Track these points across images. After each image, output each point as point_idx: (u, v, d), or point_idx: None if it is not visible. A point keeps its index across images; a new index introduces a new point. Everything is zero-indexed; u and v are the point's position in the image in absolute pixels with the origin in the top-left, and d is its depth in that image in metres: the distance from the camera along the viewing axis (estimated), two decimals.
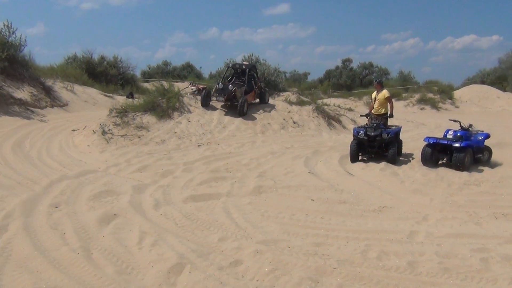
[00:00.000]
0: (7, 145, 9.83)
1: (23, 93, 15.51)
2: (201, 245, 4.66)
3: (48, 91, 17.06)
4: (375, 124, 9.58)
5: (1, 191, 6.26)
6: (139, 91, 25.52)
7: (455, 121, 9.77)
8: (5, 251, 4.28)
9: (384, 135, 9.30)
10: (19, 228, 4.84)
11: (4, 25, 15.60)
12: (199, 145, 11.09)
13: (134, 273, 3.94)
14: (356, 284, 3.80)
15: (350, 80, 40.88)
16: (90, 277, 3.78)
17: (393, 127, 9.92)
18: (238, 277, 3.88)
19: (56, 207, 5.79)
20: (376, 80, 10.33)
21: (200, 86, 16.87)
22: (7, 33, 15.83)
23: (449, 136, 9.21)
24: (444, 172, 8.59)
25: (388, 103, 9.98)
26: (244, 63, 15.57)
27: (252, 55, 29.59)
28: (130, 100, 18.99)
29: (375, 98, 10.08)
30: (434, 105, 27.70)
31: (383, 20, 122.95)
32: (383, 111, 10.00)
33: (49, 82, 17.96)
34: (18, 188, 6.56)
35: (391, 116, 9.89)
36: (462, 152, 8.67)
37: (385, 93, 9.95)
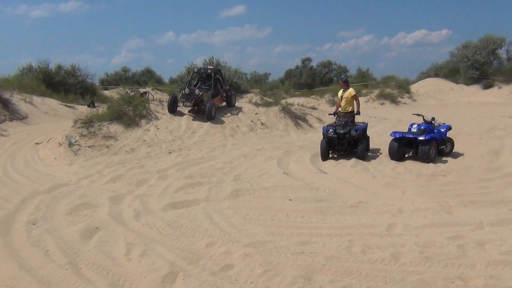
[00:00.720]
0: None
1: None
2: (190, 252, 4.70)
3: (5, 104, 16.46)
4: (343, 122, 9.85)
5: None
6: (100, 99, 25.09)
7: (418, 115, 10.19)
8: None
9: (353, 132, 9.58)
10: None
11: None
12: (170, 152, 11.03)
13: (127, 285, 3.94)
14: (346, 278, 3.95)
15: (311, 79, 41.52)
16: None
17: (360, 124, 10.23)
18: (232, 281, 3.95)
19: (34, 224, 5.66)
20: (341, 79, 10.59)
21: (142, 91, 17.48)
22: None
23: (414, 130, 9.59)
24: (412, 165, 8.94)
25: (355, 101, 10.28)
26: (209, 67, 15.58)
27: (213, 58, 29.58)
28: (94, 109, 18.64)
29: (341, 96, 10.35)
30: (393, 100, 28.63)
31: (338, 18, 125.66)
32: (350, 109, 10.28)
33: (6, 95, 17.31)
34: None
35: (358, 113, 10.19)
36: (427, 144, 9.05)
37: (351, 91, 10.24)
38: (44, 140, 12.33)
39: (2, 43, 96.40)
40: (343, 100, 10.27)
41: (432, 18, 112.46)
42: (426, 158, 9.01)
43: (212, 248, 4.79)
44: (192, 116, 13.83)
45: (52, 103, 20.01)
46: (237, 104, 16.05)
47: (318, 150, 10.23)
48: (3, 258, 4.47)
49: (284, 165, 9.36)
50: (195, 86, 14.79)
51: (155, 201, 6.90)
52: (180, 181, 8.12)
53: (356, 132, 9.60)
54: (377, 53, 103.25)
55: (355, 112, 10.26)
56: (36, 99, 19.41)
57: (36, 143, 12.18)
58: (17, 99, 18.12)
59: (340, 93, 10.51)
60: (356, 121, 10.57)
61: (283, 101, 20.03)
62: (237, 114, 14.60)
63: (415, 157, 9.40)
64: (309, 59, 44.26)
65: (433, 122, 9.83)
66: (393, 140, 9.47)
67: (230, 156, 10.43)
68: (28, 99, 18.54)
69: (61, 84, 25.18)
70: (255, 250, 4.64)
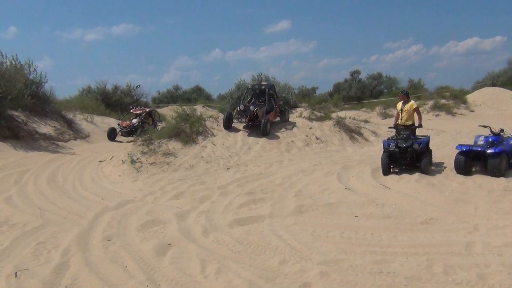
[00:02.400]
0: (42, 180, 9.96)
1: (46, 127, 15.76)
2: (264, 269, 4.68)
3: (69, 124, 17.36)
4: (405, 135, 9.59)
5: (52, 227, 6.34)
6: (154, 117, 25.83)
7: (485, 126, 9.76)
8: None
9: (416, 146, 9.31)
10: (81, 264, 4.90)
11: (25, 63, 15.96)
12: (228, 168, 11.16)
13: None
14: None
15: (360, 91, 40.99)
16: None
17: (422, 137, 9.92)
18: None
19: (109, 240, 5.85)
20: (402, 92, 10.35)
21: (136, 111, 18.78)
22: (28, 71, 16.17)
23: (481, 142, 9.20)
24: (481, 179, 8.55)
25: (416, 114, 10.01)
26: (262, 83, 15.73)
27: (261, 74, 29.84)
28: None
29: (401, 109, 10.10)
30: (449, 111, 27.67)
31: (383, 29, 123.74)
32: (410, 122, 10.02)
33: (69, 115, 18.28)
34: (66, 223, 6.64)
35: (420, 126, 9.90)
36: (497, 158, 8.64)
37: (412, 104, 10.00)
38: (107, 157, 12.82)
39: (60, 66, 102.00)
40: (404, 113, 10.02)
41: (484, 25, 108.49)
42: (496, 172, 8.58)
43: (285, 266, 4.75)
44: (247, 132, 13.96)
45: (110, 122, 20.82)
46: (289, 119, 16.04)
47: (378, 164, 10.01)
48: (86, 274, 4.64)
49: (345, 180, 9.21)
50: (249, 102, 14.95)
51: (219, 217, 6.97)
52: (242, 197, 8.16)
53: (419, 146, 9.32)
54: (426, 63, 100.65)
55: (416, 125, 9.97)
56: (97, 118, 20.33)
57: (100, 161, 12.68)
58: (79, 119, 19.04)
59: (399, 105, 10.27)
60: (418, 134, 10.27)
61: (334, 115, 19.87)
62: (291, 129, 14.59)
63: (483, 171, 8.99)
64: (358, 72, 43.89)
65: (501, 134, 9.38)
66: (460, 153, 9.11)
67: (288, 172, 10.40)
68: (89, 119, 19.46)
69: (117, 103, 26.24)
70: (331, 269, 4.56)
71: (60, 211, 7.42)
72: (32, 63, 16.43)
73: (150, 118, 19.15)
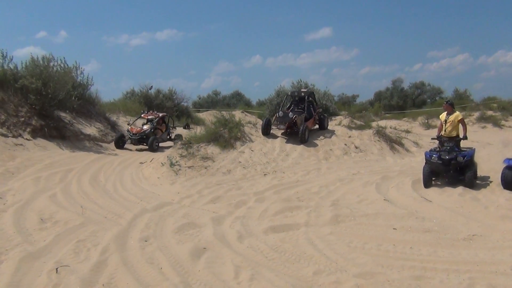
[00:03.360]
0: (85, 180, 10.30)
1: (91, 129, 16.34)
2: (298, 279, 4.63)
3: (113, 125, 17.93)
4: (448, 147, 9.27)
5: (93, 226, 6.53)
6: (194, 121, 26.27)
7: None
8: (111, 287, 4.43)
9: (460, 158, 8.97)
10: (118, 264, 5.01)
11: (73, 66, 16.61)
12: (265, 174, 11.15)
13: None
14: None
15: (402, 100, 40.07)
16: None
17: (467, 149, 9.55)
18: None
19: (146, 240, 5.96)
20: (446, 102, 10.02)
21: (147, 116, 17.44)
22: (76, 74, 16.82)
23: None
24: None
25: (461, 125, 9.66)
26: (302, 90, 15.68)
27: (301, 81, 29.75)
28: (186, 130, 19.65)
29: (445, 120, 9.78)
30: (496, 123, 26.57)
31: (428, 37, 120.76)
32: (455, 133, 9.68)
33: (113, 117, 18.86)
34: (106, 222, 6.82)
35: (465, 138, 9.54)
36: None
37: (457, 115, 9.67)
38: (148, 159, 13.11)
39: (106, 70, 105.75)
40: (448, 124, 9.69)
41: None
42: None
43: (320, 277, 4.68)
44: (286, 138, 13.92)
45: None
46: (328, 127, 15.88)
47: (418, 176, 9.72)
48: (123, 273, 4.74)
49: (384, 191, 8.99)
50: (288, 109, 14.92)
51: (255, 223, 6.96)
52: (278, 204, 8.12)
53: (463, 158, 8.98)
54: (473, 73, 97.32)
55: (461, 137, 9.62)
56: (139, 121, 20.79)
57: (140, 163, 12.99)
58: (122, 121, 19.61)
59: (443, 116, 9.94)
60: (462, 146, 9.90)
61: (374, 124, 19.51)
62: (330, 137, 14.43)
63: None
64: (400, 80, 42.93)
65: None
66: (507, 167, 8.70)
67: (326, 180, 10.27)
68: (132, 121, 19.97)
69: (159, 107, 26.79)
70: (367, 282, 4.45)
71: (100, 210, 7.64)
72: (79, 66, 17.10)
73: (164, 124, 17.66)
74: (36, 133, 13.80)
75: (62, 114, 15.93)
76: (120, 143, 15.85)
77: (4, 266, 4.99)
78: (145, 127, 16.52)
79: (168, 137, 17.51)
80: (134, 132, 16.11)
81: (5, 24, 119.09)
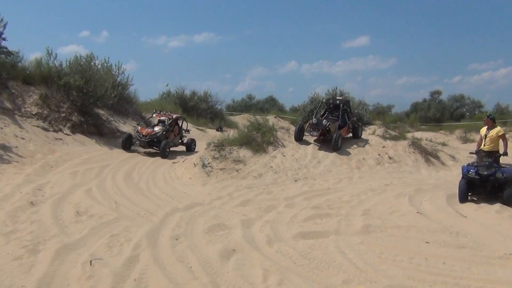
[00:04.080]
0: (119, 177, 10.56)
1: (127, 127, 16.74)
2: (326, 286, 4.61)
3: (148, 124, 18.21)
4: (487, 163, 9.00)
5: (126, 222, 6.70)
6: (227, 124, 26.52)
7: None
8: (142, 282, 4.53)
9: (499, 175, 8.69)
10: (149, 260, 5.12)
11: (115, 66, 17.10)
12: (295, 180, 11.12)
13: None
14: None
15: (440, 113, 39.10)
16: None
17: (508, 166, 9.24)
18: None
19: (176, 239, 6.06)
20: (487, 116, 9.73)
21: (159, 117, 15.82)
22: (117, 73, 17.31)
23: None
24: None
25: (502, 141, 9.37)
26: (337, 97, 15.58)
27: (336, 88, 29.48)
28: (222, 133, 19.76)
29: (485, 135, 9.49)
30: None
31: (470, 48, 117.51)
32: (494, 148, 9.39)
33: (149, 117, 19.21)
34: (138, 219, 6.98)
35: (506, 154, 9.24)
36: None
37: (499, 130, 9.40)
38: (181, 160, 13.31)
39: (145, 70, 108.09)
40: (488, 139, 9.41)
41: None
42: None
43: (349, 286, 4.64)
44: (318, 145, 13.85)
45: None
46: (362, 136, 15.69)
47: (454, 190, 9.46)
48: (154, 270, 4.84)
49: (417, 204, 8.80)
50: (322, 116, 14.85)
51: (284, 228, 6.95)
52: (308, 210, 8.09)
53: (502, 175, 8.69)
54: None
55: (501, 153, 9.32)
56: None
57: (173, 162, 13.21)
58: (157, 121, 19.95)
59: (483, 131, 9.66)
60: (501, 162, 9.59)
61: (409, 135, 19.12)
62: (363, 146, 14.26)
63: None
64: (438, 92, 41.97)
65: None
66: None
67: (357, 189, 10.15)
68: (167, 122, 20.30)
69: (194, 108, 27.25)
70: None
71: (134, 207, 7.82)
72: (121, 66, 17.59)
73: (177, 127, 16.10)
74: (75, 128, 14.30)
75: (101, 112, 16.41)
76: (127, 144, 14.33)
77: (41, 255, 5.19)
78: (157, 128, 14.91)
79: (180, 141, 16.18)
80: (144, 133, 14.37)
81: (50, 22, 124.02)
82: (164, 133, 14.79)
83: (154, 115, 16.11)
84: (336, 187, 10.43)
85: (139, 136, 14.33)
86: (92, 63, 15.67)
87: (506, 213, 8.11)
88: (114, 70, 16.93)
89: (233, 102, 45.69)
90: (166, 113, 16.30)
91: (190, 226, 6.75)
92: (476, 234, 6.85)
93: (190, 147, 16.09)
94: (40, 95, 14.32)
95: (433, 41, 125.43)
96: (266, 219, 7.46)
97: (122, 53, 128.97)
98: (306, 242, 6.23)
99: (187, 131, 16.56)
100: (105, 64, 16.46)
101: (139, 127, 14.76)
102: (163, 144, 14.09)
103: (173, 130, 15.63)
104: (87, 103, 14.97)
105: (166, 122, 15.34)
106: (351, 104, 17.51)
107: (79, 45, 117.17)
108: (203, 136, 20.67)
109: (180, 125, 16.29)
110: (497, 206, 8.50)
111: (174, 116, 16.08)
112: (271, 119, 22.80)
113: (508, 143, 10.22)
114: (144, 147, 14.41)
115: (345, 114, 14.88)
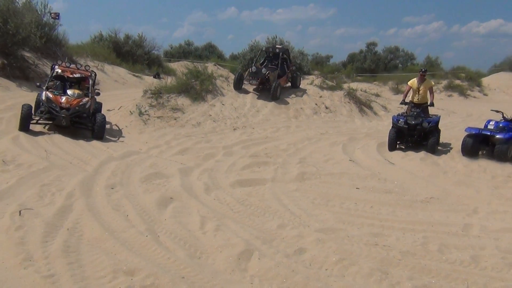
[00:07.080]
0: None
1: None
2: (262, 231, 4.76)
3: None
4: (415, 113, 9.50)
5: (58, 171, 6.43)
6: (164, 71, 25.63)
7: (497, 111, 9.63)
8: (76, 231, 4.43)
9: (425, 124, 9.25)
10: (83, 209, 4.99)
11: (40, 4, 15.70)
12: (234, 129, 11.16)
13: (204, 257, 4.06)
14: (425, 277, 3.86)
15: (375, 64, 40.15)
16: (164, 260, 3.90)
17: (433, 116, 9.83)
18: (306, 265, 3.97)
19: (112, 188, 5.94)
20: (422, 69, 10.07)
21: (69, 73, 9.86)
22: (43, 12, 15.94)
23: (491, 126, 9.09)
24: (486, 164, 8.52)
25: (430, 93, 9.87)
26: (277, 46, 15.47)
27: (276, 37, 29.25)
28: (159, 80, 19.16)
29: (418, 88, 9.89)
30: (462, 92, 27.22)
31: (406, 2, 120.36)
32: (423, 100, 9.89)
33: (80, 61, 18.11)
34: (71, 168, 6.72)
35: (432, 105, 9.79)
36: (505, 143, 8.57)
37: (431, 83, 9.89)
38: (116, 107, 12.82)
39: (74, 10, 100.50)
40: (421, 91, 9.84)
41: (510, 7, 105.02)
42: (502, 158, 8.54)
43: (283, 230, 4.83)
44: (257, 94, 13.87)
45: (121, 72, 20.71)
46: (300, 85, 15.87)
47: (384, 139, 9.97)
48: (88, 219, 4.73)
49: (350, 152, 9.21)
50: (261, 64, 14.77)
51: (222, 176, 7.04)
52: (246, 159, 8.21)
53: (428, 124, 9.26)
54: (445, 42, 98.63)
55: (428, 103, 9.85)
56: (107, 67, 20.14)
57: (108, 110, 12.68)
58: (91, 66, 18.87)
59: (413, 83, 10.06)
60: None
61: (345, 86, 19.64)
62: (301, 96, 14.47)
63: (489, 155, 8.94)
64: (374, 44, 42.69)
65: None
66: (468, 136, 9.03)
67: (294, 138, 10.40)
68: (100, 67, 19.27)
69: (129, 54, 25.87)
70: (327, 237, 4.63)
71: (66, 155, 7.49)
72: (47, 4, 16.17)
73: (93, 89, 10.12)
74: None
75: (27, 55, 15.21)
76: (26, 124, 8.85)
77: None
78: (83, 98, 9.28)
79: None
80: (65, 104, 8.92)
81: None
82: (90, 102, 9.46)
83: (56, 68, 10.02)
84: (274, 136, 10.61)
85: (56, 109, 8.89)
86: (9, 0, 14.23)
87: (429, 160, 8.72)
88: (38, 9, 15.56)
89: (171, 48, 43.91)
90: (78, 68, 10.69)
91: (126, 175, 6.62)
92: (402, 180, 7.35)
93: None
94: None
95: None
96: (204, 168, 7.49)
97: None
98: (244, 190, 6.36)
99: (98, 93, 10.56)
100: (27, 2, 15.04)
101: (51, 94, 9.08)
102: (101, 122, 9.22)
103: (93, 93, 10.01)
104: (9, 43, 13.75)
105: (86, 83, 10.10)
106: (290, 53, 17.54)
107: None
108: (139, 83, 19.89)
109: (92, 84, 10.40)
110: (422, 154, 9.10)
111: (94, 73, 10.85)
112: (210, 67, 22.33)
113: (435, 95, 10.81)
114: (63, 124, 8.97)
115: (285, 63, 14.89)
